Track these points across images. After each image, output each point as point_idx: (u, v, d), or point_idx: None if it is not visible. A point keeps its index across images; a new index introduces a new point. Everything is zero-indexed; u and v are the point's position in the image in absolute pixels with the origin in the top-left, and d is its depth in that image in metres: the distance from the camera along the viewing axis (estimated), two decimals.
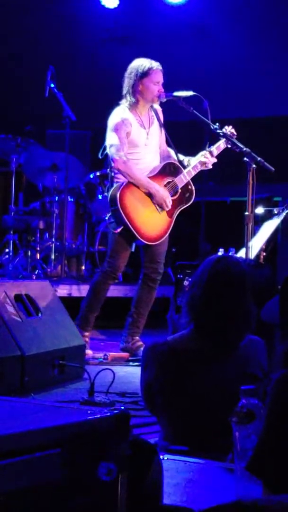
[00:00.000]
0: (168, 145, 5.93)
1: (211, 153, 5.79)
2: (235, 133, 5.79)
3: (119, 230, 5.60)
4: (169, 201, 5.70)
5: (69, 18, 9.48)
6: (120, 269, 5.85)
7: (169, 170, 5.81)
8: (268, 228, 5.86)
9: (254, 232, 5.48)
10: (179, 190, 5.80)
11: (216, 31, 9.30)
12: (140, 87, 5.64)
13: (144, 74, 5.62)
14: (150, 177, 5.68)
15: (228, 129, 5.77)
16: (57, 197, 7.71)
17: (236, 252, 5.37)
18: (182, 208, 5.86)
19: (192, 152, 5.92)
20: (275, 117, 9.17)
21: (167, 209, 5.72)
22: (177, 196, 5.80)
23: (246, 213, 5.31)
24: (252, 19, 9.25)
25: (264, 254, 5.62)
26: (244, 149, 5.43)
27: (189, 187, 5.86)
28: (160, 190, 5.67)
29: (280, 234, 6.39)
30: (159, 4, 9.41)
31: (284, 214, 5.99)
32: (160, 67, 5.68)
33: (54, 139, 8.87)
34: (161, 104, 5.83)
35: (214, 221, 7.89)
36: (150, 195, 5.65)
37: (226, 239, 6.13)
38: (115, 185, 5.64)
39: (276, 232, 5.97)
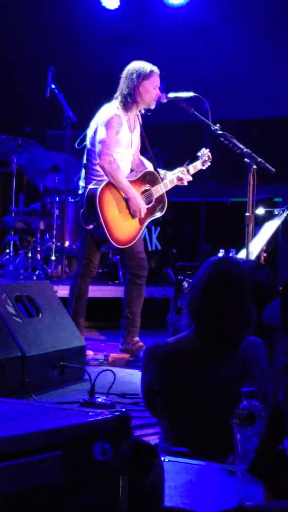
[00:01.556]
0: (147, 154, 5.94)
1: (188, 171, 5.89)
2: (210, 157, 5.97)
3: (91, 226, 5.58)
4: (143, 210, 5.71)
5: (70, 19, 9.49)
6: (95, 266, 5.86)
7: (148, 178, 5.85)
8: (269, 229, 5.87)
9: (254, 233, 5.48)
10: (153, 200, 5.82)
11: (216, 32, 9.29)
12: (141, 89, 5.64)
13: (146, 77, 5.62)
14: (129, 181, 5.67)
15: (206, 152, 5.94)
16: (57, 198, 7.71)
17: (237, 253, 5.37)
18: (153, 218, 5.91)
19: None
20: (275, 118, 9.17)
21: (140, 217, 5.72)
22: (151, 205, 5.82)
23: (247, 214, 5.31)
24: (252, 20, 9.25)
25: (265, 255, 5.62)
26: (245, 150, 5.42)
27: (163, 198, 5.89)
28: (138, 198, 5.67)
29: (281, 235, 6.39)
30: (159, 5, 9.41)
31: (284, 215, 5.99)
32: (159, 71, 5.70)
33: (54, 140, 8.87)
34: (161, 105, 5.82)
35: (214, 221, 7.89)
36: (127, 200, 5.64)
37: (226, 240, 6.13)
38: (93, 182, 5.60)
39: (276, 233, 5.97)
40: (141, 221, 5.79)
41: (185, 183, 5.92)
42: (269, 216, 6.11)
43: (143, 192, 5.78)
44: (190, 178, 5.92)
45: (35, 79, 7.97)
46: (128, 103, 5.64)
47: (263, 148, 5.95)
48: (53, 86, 7.32)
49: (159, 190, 5.84)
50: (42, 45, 9.26)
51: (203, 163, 5.99)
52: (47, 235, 7.85)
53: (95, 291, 6.63)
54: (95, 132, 5.62)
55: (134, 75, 5.63)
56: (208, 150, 5.97)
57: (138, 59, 5.77)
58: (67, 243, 7.63)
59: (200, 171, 6.06)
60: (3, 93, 9.30)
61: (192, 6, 9.34)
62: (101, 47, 9.63)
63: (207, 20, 9.37)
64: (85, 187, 5.65)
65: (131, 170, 5.86)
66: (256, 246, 5.49)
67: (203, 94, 5.72)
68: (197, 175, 5.97)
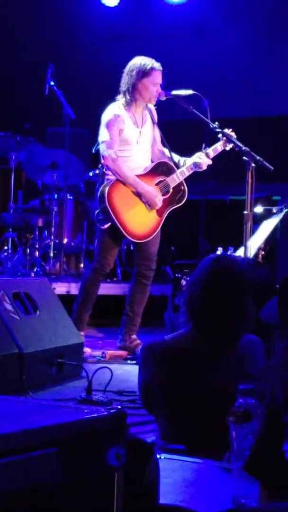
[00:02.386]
0: (163, 144, 5.92)
1: (207, 154, 5.78)
2: (234, 135, 5.79)
3: (106, 226, 5.59)
4: (159, 199, 5.70)
5: (69, 17, 9.47)
6: (109, 265, 5.85)
7: (161, 169, 5.80)
8: (267, 227, 5.87)
9: (253, 231, 5.48)
10: (171, 190, 5.79)
11: (216, 30, 9.28)
12: (140, 86, 5.62)
13: (146, 74, 5.60)
14: (140, 175, 5.66)
15: (228, 131, 5.78)
16: (56, 195, 7.70)
17: (235, 250, 5.37)
18: (172, 208, 5.85)
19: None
20: (275, 117, 9.16)
21: (157, 208, 5.71)
22: (168, 195, 5.80)
23: (245, 212, 5.31)
24: (253, 18, 9.23)
25: (263, 253, 5.63)
26: (244, 148, 5.42)
27: (182, 187, 5.84)
28: (149, 189, 5.66)
29: (279, 233, 6.39)
30: (159, 3, 9.40)
31: (283, 213, 6.00)
32: (161, 68, 5.65)
33: (53, 137, 8.86)
34: (161, 103, 5.81)
35: (213, 219, 7.88)
36: (138, 194, 5.64)
37: (225, 237, 6.12)
38: (105, 182, 5.64)
39: (275, 231, 5.98)
40: (159, 213, 5.76)
41: (204, 167, 5.79)
42: (268, 214, 6.11)
43: (157, 184, 5.75)
44: (210, 162, 5.79)
45: (34, 76, 7.96)
46: (127, 99, 5.64)
47: (262, 146, 5.95)
48: (52, 83, 7.32)
49: (176, 179, 5.77)
50: (42, 42, 9.24)
51: (224, 144, 5.77)
52: (46, 232, 7.85)
53: None
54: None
55: (134, 71, 5.62)
56: (231, 130, 5.76)
57: (139, 55, 5.73)
58: (65, 240, 7.62)
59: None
60: (2, 90, 9.29)
61: (192, 4, 9.33)
62: (101, 44, 9.62)
63: (207, 18, 9.35)
64: (98, 188, 5.70)
65: (152, 162, 5.82)
66: (254, 244, 5.49)
67: (203, 91, 5.71)
68: (196, 173, 5.96)
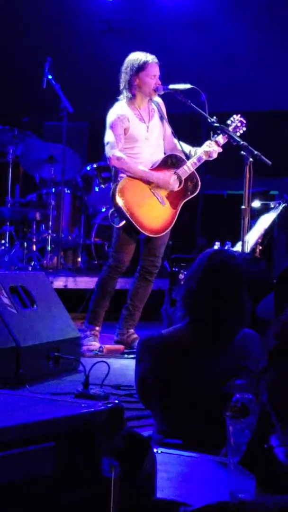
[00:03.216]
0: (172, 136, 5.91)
1: (216, 142, 5.73)
2: (244, 121, 5.78)
3: (121, 224, 5.59)
4: (173, 180, 5.67)
5: (67, 10, 9.45)
6: (126, 262, 5.82)
7: (170, 162, 5.78)
8: (265, 221, 5.87)
9: (250, 226, 5.48)
10: (182, 182, 5.78)
11: (215, 23, 9.27)
12: (137, 81, 5.61)
13: (140, 68, 5.59)
14: (151, 170, 5.66)
15: (237, 118, 5.77)
16: (53, 189, 7.70)
17: (232, 245, 5.38)
18: (187, 199, 5.84)
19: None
20: (273, 111, 9.16)
21: (177, 189, 5.69)
22: (181, 187, 5.78)
23: (243, 206, 5.31)
24: (251, 11, 9.22)
25: (260, 247, 5.63)
26: (241, 142, 5.42)
27: (194, 178, 5.83)
28: (160, 175, 5.66)
29: (276, 228, 6.40)
30: None
31: (280, 208, 6.00)
32: (156, 60, 5.64)
33: (51, 131, 8.86)
34: (159, 97, 5.80)
35: (210, 214, 7.89)
36: (153, 184, 5.63)
37: (222, 232, 6.13)
38: (119, 180, 5.63)
39: (272, 226, 5.99)
40: (174, 205, 5.76)
41: (215, 156, 5.75)
42: (265, 209, 6.11)
43: None
44: (220, 149, 5.75)
45: (32, 69, 7.95)
46: (128, 97, 5.64)
47: (260, 141, 5.94)
48: (50, 77, 7.31)
49: (187, 170, 5.76)
50: (40, 36, 9.22)
51: (234, 129, 5.75)
52: (43, 226, 7.85)
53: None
54: None
55: (128, 68, 5.62)
56: (239, 115, 5.78)
57: (136, 50, 5.73)
58: (63, 235, 7.62)
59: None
60: (0, 84, 9.28)
61: None
62: (99, 38, 9.61)
63: (206, 12, 9.34)
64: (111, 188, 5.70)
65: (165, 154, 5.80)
66: (251, 239, 5.49)
67: (201, 85, 5.71)
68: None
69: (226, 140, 5.73)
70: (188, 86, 5.68)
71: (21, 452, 1.64)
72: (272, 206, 6.07)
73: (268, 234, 5.82)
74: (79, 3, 9.49)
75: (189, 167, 5.75)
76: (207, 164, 6.05)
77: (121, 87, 5.67)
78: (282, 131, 8.86)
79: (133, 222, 5.54)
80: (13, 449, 1.63)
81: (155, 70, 5.64)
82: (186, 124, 6.98)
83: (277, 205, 6.04)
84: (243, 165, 5.34)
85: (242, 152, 5.36)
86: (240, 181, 5.37)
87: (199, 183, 5.84)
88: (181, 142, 5.82)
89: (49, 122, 9.01)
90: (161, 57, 5.72)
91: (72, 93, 7.50)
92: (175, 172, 5.73)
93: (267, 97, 9.06)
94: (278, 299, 2.13)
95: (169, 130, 5.85)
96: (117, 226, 5.61)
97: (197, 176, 5.83)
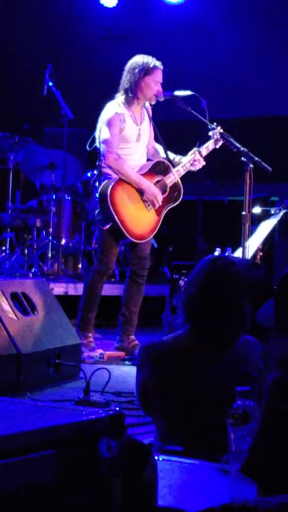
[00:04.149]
0: (158, 142, 5.92)
1: (200, 153, 5.80)
2: (224, 134, 5.80)
3: (107, 226, 5.59)
4: (159, 197, 5.71)
5: (67, 17, 9.47)
6: (112, 265, 5.86)
7: (159, 168, 5.81)
8: (265, 228, 5.87)
9: (251, 232, 5.49)
10: (168, 189, 5.81)
11: (215, 30, 9.28)
12: (142, 84, 5.63)
13: (148, 72, 5.61)
14: (141, 175, 5.68)
15: (217, 130, 5.80)
16: (54, 195, 7.71)
17: (233, 251, 5.37)
18: (170, 207, 5.86)
19: (188, 151, 5.91)
20: (273, 117, 9.17)
21: (158, 206, 5.72)
22: (166, 194, 5.80)
23: (243, 212, 5.31)
24: (251, 17, 9.24)
25: (261, 253, 5.63)
26: (242, 148, 5.43)
27: (178, 186, 5.86)
28: (151, 186, 5.68)
29: (277, 234, 6.40)
30: (157, 3, 9.40)
31: (281, 214, 6.00)
32: (162, 67, 5.68)
33: (52, 137, 8.86)
34: (159, 103, 5.82)
35: (211, 220, 7.89)
36: (140, 192, 5.65)
37: (223, 238, 6.13)
38: (105, 180, 5.63)
39: (273, 232, 5.99)
40: (158, 212, 5.78)
41: (198, 166, 5.80)
42: (266, 215, 6.12)
43: (155, 183, 5.76)
44: (203, 162, 5.81)
45: (32, 76, 7.96)
46: (129, 97, 5.65)
47: (260, 147, 5.95)
48: (50, 83, 7.32)
49: (172, 178, 5.79)
50: (40, 43, 9.24)
51: (215, 142, 5.81)
52: (44, 232, 7.85)
53: None
54: (100, 132, 5.64)
55: (137, 69, 5.62)
56: (219, 127, 5.80)
57: (140, 54, 5.74)
58: (63, 241, 7.62)
59: (198, 170, 6.03)
60: (0, 91, 9.29)
61: (190, 4, 9.33)
62: (99, 45, 9.62)
63: (205, 18, 9.36)
64: (98, 187, 5.68)
65: (148, 160, 5.84)
66: (252, 245, 5.49)
67: (201, 92, 5.72)
68: (193, 173, 5.96)
69: (209, 151, 5.80)
70: (188, 92, 5.70)
71: (22, 459, 1.64)
72: (273, 212, 6.07)
73: (268, 240, 5.82)
74: (80, 10, 9.51)
75: (174, 175, 5.80)
76: (207, 171, 6.06)
77: (125, 86, 5.65)
78: (282, 137, 8.86)
79: (120, 226, 5.54)
80: (15, 457, 1.63)
81: (160, 77, 5.67)
82: (186, 130, 6.99)
83: (277, 211, 6.04)
84: (243, 171, 5.34)
85: (242, 158, 5.37)
86: (241, 187, 5.38)
87: (182, 192, 5.87)
88: (165, 149, 5.84)
89: (49, 128, 9.02)
90: (162, 63, 5.73)
91: (72, 99, 7.51)
92: (161, 181, 5.75)
93: (267, 103, 9.07)
94: (278, 305, 2.13)
95: (153, 134, 5.87)
96: (104, 228, 5.61)
97: (181, 185, 5.85)
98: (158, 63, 5.67)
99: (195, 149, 5.81)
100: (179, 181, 5.84)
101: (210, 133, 5.82)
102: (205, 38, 9.30)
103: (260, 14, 9.18)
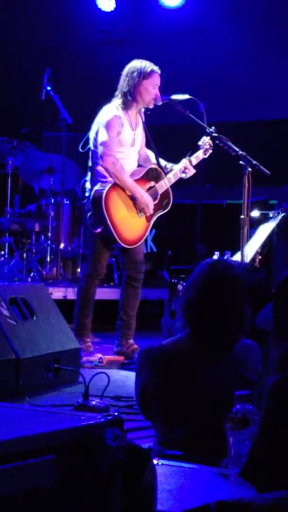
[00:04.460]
0: (150, 148, 5.93)
1: (190, 162, 5.86)
2: (212, 144, 5.89)
3: (99, 230, 5.59)
4: (151, 206, 5.73)
5: (66, 21, 9.48)
6: (103, 269, 5.86)
7: (152, 175, 5.83)
8: (264, 231, 5.87)
9: (249, 235, 5.49)
10: (159, 196, 5.82)
11: (213, 33, 9.29)
12: (141, 87, 5.64)
13: (146, 76, 5.63)
14: (134, 180, 5.68)
15: (207, 140, 5.87)
16: (53, 200, 7.71)
17: (232, 255, 5.37)
18: (160, 214, 5.90)
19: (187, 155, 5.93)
20: (271, 121, 9.17)
21: (148, 214, 5.73)
22: (156, 201, 5.82)
23: (242, 216, 5.31)
24: (249, 21, 9.24)
25: (260, 257, 5.63)
26: (240, 152, 5.43)
27: (168, 193, 5.88)
28: (144, 195, 5.69)
29: (276, 237, 6.39)
30: (155, 7, 9.41)
31: (279, 217, 6.00)
32: (159, 71, 5.70)
33: (50, 142, 8.87)
34: (157, 107, 5.83)
35: (210, 224, 7.89)
36: (133, 198, 5.65)
37: (222, 242, 6.13)
38: (98, 183, 5.62)
39: (271, 236, 5.98)
40: (148, 219, 5.79)
41: (189, 174, 5.86)
42: (264, 218, 6.12)
43: (148, 190, 5.77)
44: (194, 171, 5.87)
45: (31, 80, 7.96)
46: (127, 101, 5.65)
47: (258, 151, 5.95)
48: (48, 88, 7.32)
49: (164, 185, 5.82)
50: (38, 47, 9.25)
51: (205, 152, 5.91)
52: (42, 237, 7.85)
53: None
54: (97, 134, 5.63)
55: (135, 73, 5.63)
56: (209, 137, 5.86)
57: (137, 59, 5.76)
58: (62, 245, 7.62)
59: (195, 168, 6.05)
60: None
61: (188, 8, 9.34)
62: (97, 49, 9.63)
63: (203, 22, 9.36)
64: (91, 189, 5.67)
65: (139, 165, 5.85)
66: (251, 248, 5.49)
67: (199, 96, 5.72)
68: (192, 177, 5.97)
69: (199, 160, 5.88)
70: (186, 96, 5.71)
71: (22, 465, 1.64)
72: (271, 215, 6.07)
73: (267, 243, 5.82)
74: (78, 15, 9.52)
75: (166, 183, 5.83)
76: (206, 174, 6.08)
77: (123, 90, 5.65)
78: (280, 140, 8.87)
79: (112, 230, 5.54)
80: (14, 462, 1.62)
81: (158, 80, 5.69)
82: (184, 134, 7.00)
83: (276, 214, 6.04)
84: (242, 174, 5.35)
85: (240, 161, 5.37)
86: (239, 191, 5.38)
87: (171, 200, 5.89)
88: (157, 156, 5.86)
89: (48, 132, 9.02)
90: (160, 67, 5.75)
91: (71, 104, 7.51)
92: (153, 187, 5.77)
93: (266, 106, 9.07)
94: (277, 309, 2.13)
95: (144, 140, 5.89)
96: (95, 231, 5.60)
97: (171, 192, 5.88)
98: (156, 68, 5.69)
99: (186, 157, 5.87)
100: (170, 189, 5.87)
101: (200, 143, 5.92)
102: (203, 41, 9.31)
103: (259, 15, 9.19)
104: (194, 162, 5.88)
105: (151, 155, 5.93)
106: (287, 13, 9.09)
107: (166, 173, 5.85)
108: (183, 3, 9.33)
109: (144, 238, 5.79)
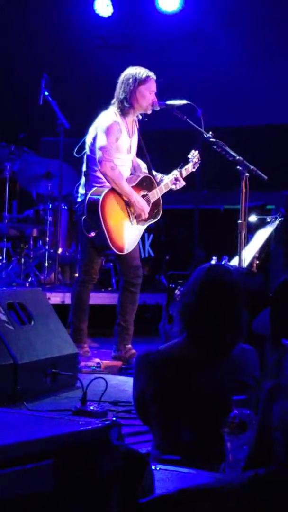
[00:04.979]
0: (144, 157, 5.95)
1: (180, 173, 5.91)
2: (199, 158, 6.01)
3: (93, 234, 5.59)
4: (147, 211, 5.74)
5: (63, 27, 9.49)
6: (96, 274, 5.87)
7: (145, 183, 5.86)
8: (261, 236, 5.87)
9: (247, 240, 5.49)
10: (150, 205, 5.84)
11: (210, 39, 9.31)
12: (137, 94, 5.65)
13: (142, 82, 5.64)
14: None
15: (195, 154, 5.99)
16: (50, 205, 7.71)
17: (230, 260, 5.37)
18: (149, 223, 5.93)
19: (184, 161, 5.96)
20: (268, 126, 9.19)
21: (144, 218, 5.74)
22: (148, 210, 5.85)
23: (239, 221, 5.32)
24: (246, 27, 9.27)
25: (257, 262, 5.63)
26: (237, 157, 5.44)
27: (159, 205, 5.91)
28: (141, 200, 5.71)
29: (273, 242, 6.40)
30: (153, 12, 9.43)
31: (277, 222, 6.00)
32: (155, 77, 5.72)
33: (48, 147, 8.87)
34: (154, 113, 5.84)
35: (207, 229, 7.89)
36: (128, 204, 5.66)
37: (219, 247, 6.14)
38: (93, 188, 5.62)
39: (269, 240, 5.98)
40: (139, 227, 5.80)
41: (179, 186, 5.92)
42: (262, 223, 6.12)
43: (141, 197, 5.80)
44: (184, 183, 5.93)
45: (28, 86, 7.97)
46: (124, 108, 5.66)
47: (256, 156, 5.97)
48: (46, 93, 7.33)
49: (155, 194, 5.86)
50: (36, 53, 9.26)
51: (194, 165, 6.03)
52: (40, 242, 7.85)
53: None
54: (94, 139, 5.63)
55: (131, 80, 5.65)
56: (197, 152, 5.99)
57: (132, 66, 5.79)
58: (60, 250, 7.63)
59: (193, 174, 6.09)
60: None
61: (186, 13, 9.36)
62: (95, 54, 9.65)
63: (201, 27, 9.38)
64: (85, 194, 5.66)
65: (131, 174, 5.87)
66: (248, 253, 5.50)
67: (197, 101, 5.73)
68: (190, 182, 5.98)
69: (188, 173, 5.96)
70: (184, 102, 5.72)
71: (20, 470, 1.64)
72: (269, 220, 6.07)
73: (265, 248, 5.82)
74: (76, 20, 9.53)
75: (157, 192, 5.87)
76: (203, 179, 6.10)
77: (119, 97, 5.66)
78: (278, 145, 8.88)
79: (106, 236, 5.54)
80: (12, 467, 1.63)
81: (154, 86, 5.71)
82: (181, 140, 7.01)
83: (273, 219, 6.04)
84: (239, 179, 5.36)
85: (238, 167, 5.38)
86: (237, 196, 5.39)
87: (161, 211, 5.93)
88: (150, 165, 5.90)
89: (45, 138, 9.03)
90: (157, 73, 5.77)
91: (69, 109, 7.52)
92: (146, 196, 5.81)
93: (263, 111, 9.09)
94: (273, 313, 2.13)
95: (136, 149, 5.91)
96: (89, 235, 5.60)
97: (161, 202, 5.92)
98: (151, 73, 5.71)
99: (177, 169, 5.93)
100: (160, 199, 5.90)
101: (190, 156, 6.00)
102: (200, 46, 9.33)
103: (256, 21, 9.21)
104: (184, 174, 5.95)
105: (141, 164, 5.97)
106: (284, 19, 9.11)
107: (157, 183, 5.88)
108: (180, 9, 9.35)
109: (134, 246, 5.78)
